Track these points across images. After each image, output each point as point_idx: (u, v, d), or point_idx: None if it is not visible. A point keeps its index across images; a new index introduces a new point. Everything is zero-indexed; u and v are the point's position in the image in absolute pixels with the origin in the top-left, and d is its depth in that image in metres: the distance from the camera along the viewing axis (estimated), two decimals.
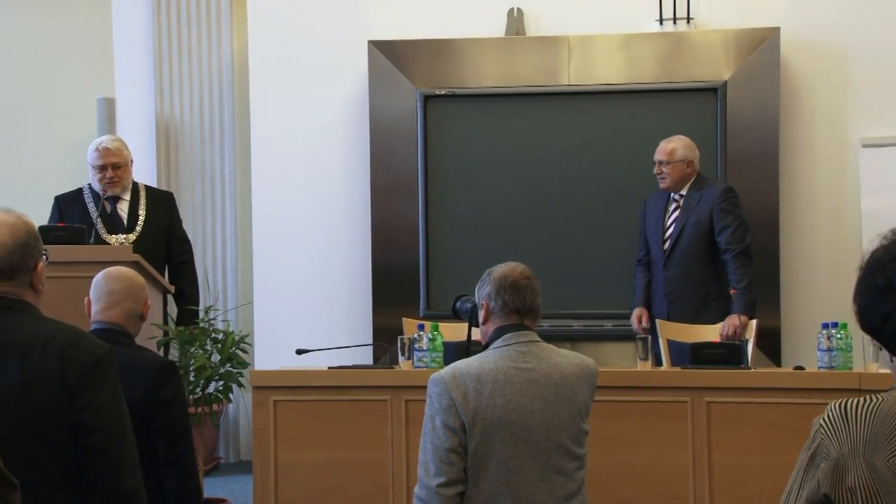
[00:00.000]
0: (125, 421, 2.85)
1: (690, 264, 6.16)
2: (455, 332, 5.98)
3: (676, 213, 6.22)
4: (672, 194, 6.25)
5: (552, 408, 3.34)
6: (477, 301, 3.57)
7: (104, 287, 3.78)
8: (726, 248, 6.07)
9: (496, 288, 3.49)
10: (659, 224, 6.29)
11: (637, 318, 6.30)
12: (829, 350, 4.98)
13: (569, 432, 3.36)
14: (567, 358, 3.47)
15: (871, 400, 2.25)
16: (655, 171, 6.22)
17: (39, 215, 5.76)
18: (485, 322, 3.54)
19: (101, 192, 6.05)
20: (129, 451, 2.84)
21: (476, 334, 5.99)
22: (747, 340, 5.76)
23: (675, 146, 6.21)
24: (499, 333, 3.47)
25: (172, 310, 6.18)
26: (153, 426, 3.46)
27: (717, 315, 6.07)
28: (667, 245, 6.21)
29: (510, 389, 3.32)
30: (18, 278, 2.85)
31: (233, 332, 6.03)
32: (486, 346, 3.50)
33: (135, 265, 4.64)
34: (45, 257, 2.94)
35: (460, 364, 3.40)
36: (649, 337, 5.32)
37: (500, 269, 3.54)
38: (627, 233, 6.82)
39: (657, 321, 6.01)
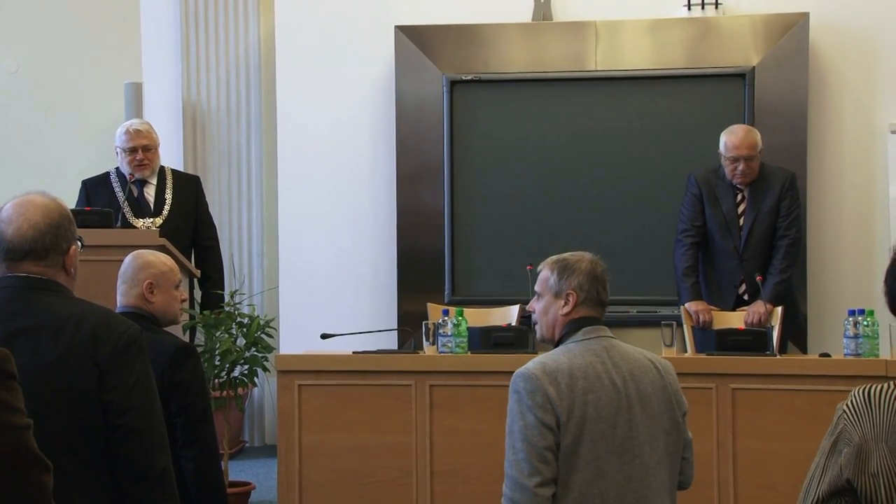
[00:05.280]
0: (155, 402, 2.85)
1: (768, 252, 6.07)
2: (480, 317, 5.99)
3: (744, 203, 6.08)
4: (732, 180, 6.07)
5: (634, 406, 3.25)
6: (558, 289, 3.42)
7: (120, 271, 3.85)
8: (784, 234, 6.02)
9: (589, 279, 3.37)
10: (731, 212, 6.07)
11: (703, 311, 5.93)
12: (856, 337, 4.96)
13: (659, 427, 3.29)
14: (640, 352, 3.37)
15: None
16: (741, 167, 5.96)
17: (67, 199, 5.74)
18: (567, 313, 3.40)
19: (128, 176, 6.06)
20: (159, 432, 2.85)
21: (503, 319, 6.03)
22: (772, 327, 5.73)
23: (756, 138, 5.99)
24: (577, 325, 3.34)
25: (198, 294, 6.20)
26: (170, 408, 3.47)
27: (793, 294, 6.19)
28: (742, 233, 6.07)
29: (599, 386, 3.21)
30: (50, 259, 2.86)
31: (258, 316, 6.06)
32: (560, 338, 3.38)
33: (161, 249, 4.65)
34: (79, 243, 2.95)
35: (546, 359, 3.26)
36: (674, 323, 5.30)
37: (585, 260, 3.41)
38: (651, 219, 6.81)
39: (682, 307, 5.98)
